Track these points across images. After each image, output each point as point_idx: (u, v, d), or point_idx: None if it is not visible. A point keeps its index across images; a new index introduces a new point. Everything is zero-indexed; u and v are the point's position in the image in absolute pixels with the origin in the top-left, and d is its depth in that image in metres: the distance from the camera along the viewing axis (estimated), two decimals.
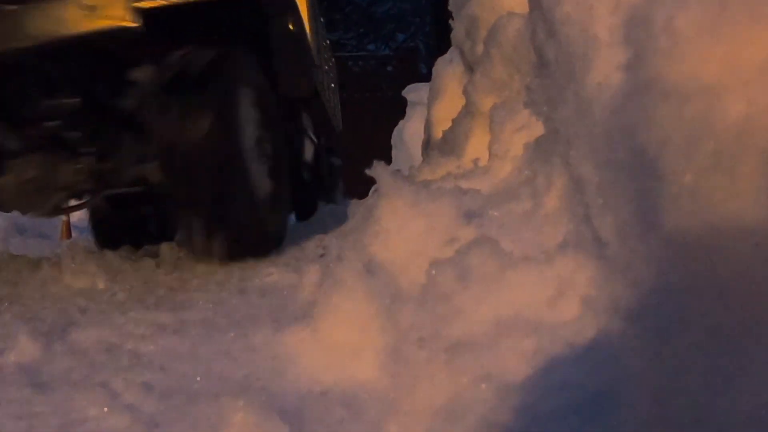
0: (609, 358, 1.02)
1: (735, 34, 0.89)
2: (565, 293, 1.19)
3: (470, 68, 3.01)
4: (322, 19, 6.39)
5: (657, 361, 0.89)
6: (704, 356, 0.83)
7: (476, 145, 2.49)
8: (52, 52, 2.49)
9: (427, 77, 5.39)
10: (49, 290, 2.49)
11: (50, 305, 2.25)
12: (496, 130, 2.09)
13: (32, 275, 2.71)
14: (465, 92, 2.70)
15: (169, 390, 1.39)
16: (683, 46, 0.94)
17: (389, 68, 16.12)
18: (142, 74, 2.77)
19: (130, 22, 2.37)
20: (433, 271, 1.36)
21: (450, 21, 3.44)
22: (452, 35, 3.37)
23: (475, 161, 2.20)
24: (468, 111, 2.66)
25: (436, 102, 3.96)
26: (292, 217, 5.67)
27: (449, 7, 3.44)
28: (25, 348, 1.65)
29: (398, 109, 9.98)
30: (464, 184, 1.89)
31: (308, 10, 4.45)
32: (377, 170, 1.70)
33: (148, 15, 2.39)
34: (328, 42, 7.17)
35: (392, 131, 9.92)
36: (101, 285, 2.53)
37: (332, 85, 6.94)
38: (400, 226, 1.55)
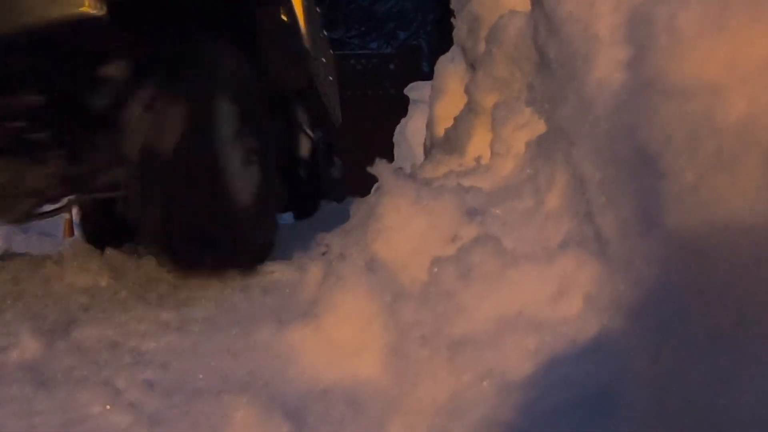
0: (610, 356, 1.03)
1: (736, 32, 0.89)
2: (567, 291, 1.20)
3: (472, 66, 3.00)
4: (318, 9, 6.17)
5: (657, 360, 0.89)
6: (704, 356, 0.83)
7: (478, 143, 2.48)
8: (9, 44, 2.23)
9: (429, 75, 5.37)
10: (51, 288, 2.49)
11: (52, 303, 2.25)
12: (498, 128, 2.09)
13: (35, 273, 2.70)
14: (467, 90, 2.69)
15: (171, 388, 1.40)
16: (684, 44, 0.94)
17: (391, 66, 16.09)
18: (111, 69, 2.49)
19: (93, 10, 2.13)
20: (435, 269, 1.36)
21: (452, 19, 3.44)
22: (454, 33, 3.37)
23: (477, 159, 2.19)
24: (470, 109, 2.65)
25: (438, 100, 3.95)
26: (291, 216, 5.63)
27: (451, 6, 3.43)
28: (28, 346, 1.66)
29: (400, 107, 9.96)
30: (466, 182, 1.88)
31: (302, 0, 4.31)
32: (379, 168, 1.71)
33: (113, 2, 2.17)
34: (325, 33, 6.89)
35: (394, 129, 9.89)
36: (103, 283, 2.52)
37: (330, 77, 6.66)
38: (402, 224, 1.55)
